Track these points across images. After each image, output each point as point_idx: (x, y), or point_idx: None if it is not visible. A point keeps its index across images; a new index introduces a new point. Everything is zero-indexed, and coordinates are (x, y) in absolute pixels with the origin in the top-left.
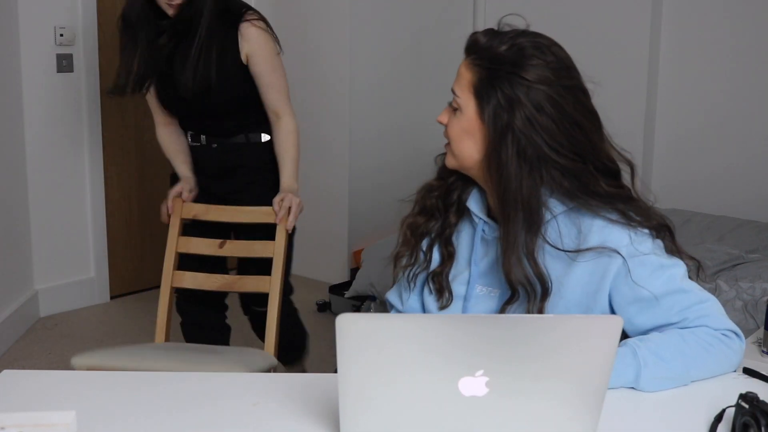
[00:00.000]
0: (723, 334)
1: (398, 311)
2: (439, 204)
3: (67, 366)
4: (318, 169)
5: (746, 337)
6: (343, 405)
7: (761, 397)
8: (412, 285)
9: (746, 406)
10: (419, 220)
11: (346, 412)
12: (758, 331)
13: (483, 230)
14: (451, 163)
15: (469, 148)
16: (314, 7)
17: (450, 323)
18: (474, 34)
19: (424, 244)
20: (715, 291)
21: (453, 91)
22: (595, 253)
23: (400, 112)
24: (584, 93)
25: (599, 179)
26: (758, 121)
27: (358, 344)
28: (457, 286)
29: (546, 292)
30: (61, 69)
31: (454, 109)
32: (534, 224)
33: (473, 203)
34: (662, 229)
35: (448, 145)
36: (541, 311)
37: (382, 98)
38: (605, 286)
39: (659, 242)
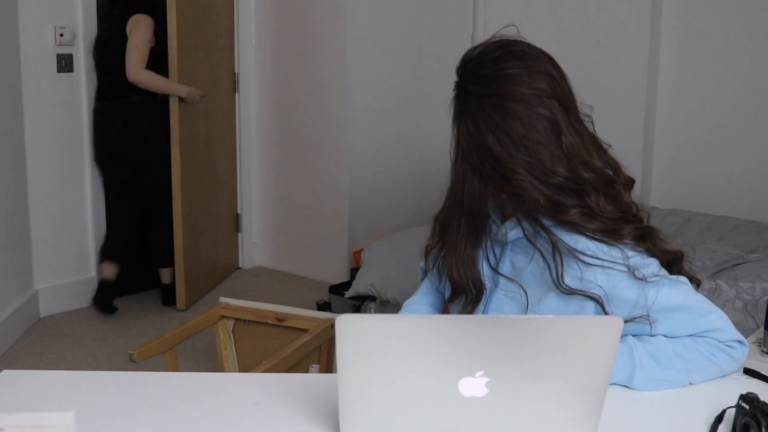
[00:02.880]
0: (728, 346)
1: (432, 281)
2: None
3: (66, 366)
4: (318, 169)
5: (746, 337)
6: (343, 405)
7: (761, 398)
8: (443, 275)
9: (746, 406)
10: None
11: (346, 412)
12: (758, 331)
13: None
14: None
15: None
16: (314, 10)
17: (450, 323)
18: None
19: None
20: (715, 291)
21: None
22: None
23: (399, 113)
24: (527, 100)
25: (540, 199)
26: (758, 121)
27: (358, 344)
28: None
29: (477, 298)
30: (61, 69)
31: None
32: (474, 233)
33: (492, 206)
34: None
35: None
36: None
37: (381, 99)
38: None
39: (654, 261)
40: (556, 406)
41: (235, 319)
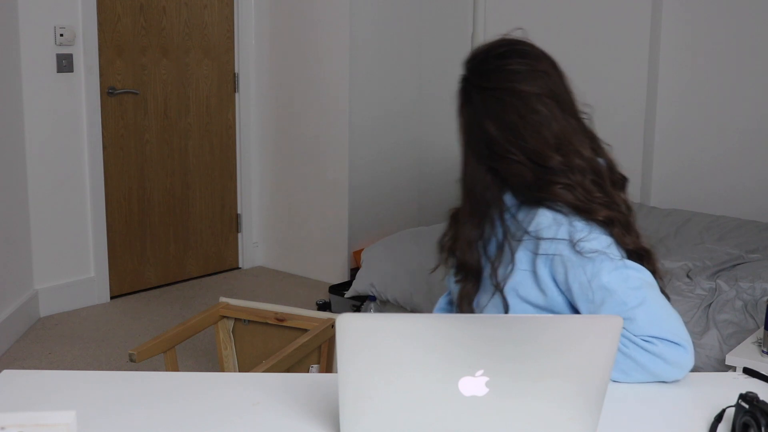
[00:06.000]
0: (643, 340)
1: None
2: None
3: (66, 366)
4: (318, 169)
5: (746, 337)
6: (343, 405)
7: (761, 397)
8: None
9: (746, 406)
10: None
11: (346, 412)
12: (758, 331)
13: None
14: None
15: None
16: (314, 7)
17: (450, 323)
18: None
19: None
20: (715, 291)
21: None
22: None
23: (399, 113)
24: (525, 96)
25: (527, 176)
26: (759, 121)
27: (358, 344)
28: None
29: (477, 279)
30: (61, 69)
31: None
32: (476, 215)
33: None
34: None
35: None
36: (469, 295)
37: (381, 98)
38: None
39: (604, 240)
40: (556, 405)
41: (235, 319)
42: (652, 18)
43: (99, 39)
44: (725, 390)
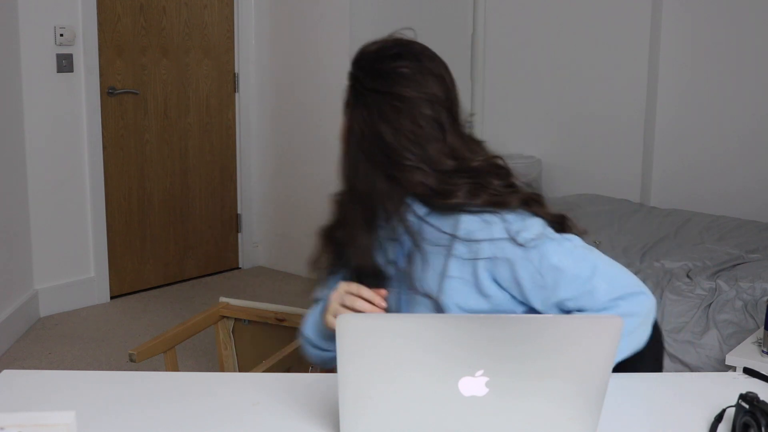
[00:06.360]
0: (609, 307)
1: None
2: None
3: (66, 366)
4: (318, 169)
5: (746, 337)
6: (343, 405)
7: (761, 397)
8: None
9: (746, 406)
10: None
11: (346, 412)
12: (758, 331)
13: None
14: None
15: None
16: (314, 7)
17: (450, 323)
18: None
19: None
20: (715, 291)
21: None
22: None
23: None
24: (418, 102)
25: (429, 182)
26: (760, 121)
27: (358, 344)
28: None
29: (380, 287)
30: (61, 69)
31: None
32: (368, 219)
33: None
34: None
35: None
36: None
37: None
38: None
39: (537, 221)
40: (556, 405)
41: (235, 319)
42: (652, 18)
43: (99, 39)
44: (725, 390)
